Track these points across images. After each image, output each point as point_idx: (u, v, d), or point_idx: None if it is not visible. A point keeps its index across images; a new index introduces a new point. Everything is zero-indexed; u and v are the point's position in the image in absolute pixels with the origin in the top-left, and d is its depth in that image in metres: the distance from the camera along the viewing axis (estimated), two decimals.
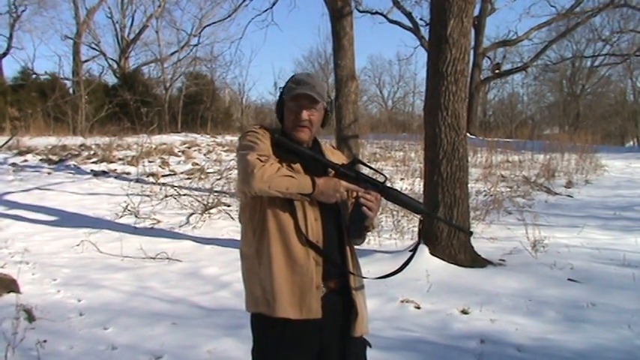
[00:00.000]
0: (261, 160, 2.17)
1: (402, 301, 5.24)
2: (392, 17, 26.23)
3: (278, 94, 2.46)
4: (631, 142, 38.21)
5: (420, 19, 25.66)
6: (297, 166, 2.31)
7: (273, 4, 12.61)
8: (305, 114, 2.35)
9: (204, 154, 15.91)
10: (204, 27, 15.53)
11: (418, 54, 60.24)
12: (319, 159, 2.34)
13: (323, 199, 2.24)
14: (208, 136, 20.62)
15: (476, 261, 6.48)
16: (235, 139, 19.99)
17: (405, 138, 19.02)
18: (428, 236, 6.45)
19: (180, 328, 4.75)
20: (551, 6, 40.92)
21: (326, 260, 2.30)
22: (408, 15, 25.87)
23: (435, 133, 6.38)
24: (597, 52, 34.07)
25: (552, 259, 6.61)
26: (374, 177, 2.40)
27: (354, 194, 2.34)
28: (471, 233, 2.40)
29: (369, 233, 2.52)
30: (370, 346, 2.47)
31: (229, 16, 13.71)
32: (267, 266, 2.26)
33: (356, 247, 2.45)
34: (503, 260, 6.67)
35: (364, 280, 2.46)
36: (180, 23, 40.72)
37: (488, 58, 29.32)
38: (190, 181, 12.03)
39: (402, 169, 14.22)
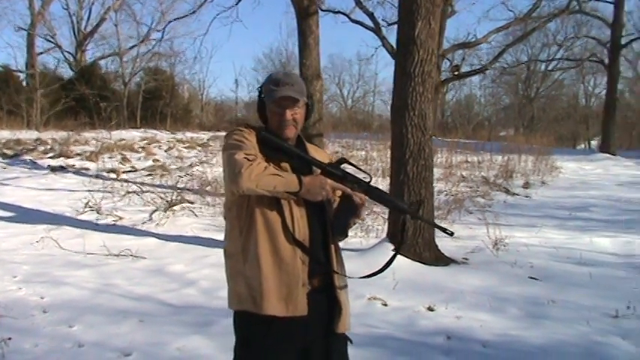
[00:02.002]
0: (248, 159, 2.18)
1: (370, 299, 5.32)
2: (354, 17, 26.35)
3: (257, 93, 2.45)
4: (582, 145, 39.25)
5: (383, 20, 25.82)
6: (285, 164, 2.33)
7: (239, 1, 12.52)
8: (289, 114, 2.37)
9: (165, 151, 15.74)
10: (169, 22, 15.36)
11: (379, 54, 60.65)
12: (306, 157, 2.36)
13: (309, 198, 2.27)
14: (168, 132, 20.38)
15: (440, 259, 6.60)
16: (196, 135, 19.85)
17: (366, 137, 19.16)
18: (393, 235, 6.55)
19: (147, 326, 4.70)
20: (509, 10, 41.79)
21: (311, 258, 2.33)
22: (370, 15, 26.02)
23: (402, 133, 6.47)
24: (551, 56, 34.98)
25: (513, 257, 6.79)
26: (359, 176, 2.44)
27: (340, 193, 2.37)
28: (452, 234, 2.44)
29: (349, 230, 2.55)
30: (352, 342, 2.52)
31: (194, 12, 13.56)
32: (255, 264, 2.27)
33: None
34: (466, 259, 6.83)
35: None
36: (141, 17, 39.97)
37: (448, 59, 29.71)
38: (152, 177, 11.89)
39: (365, 168, 14.32)
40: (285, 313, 2.27)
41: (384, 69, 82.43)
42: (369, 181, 2.39)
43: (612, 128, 22.34)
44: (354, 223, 2.48)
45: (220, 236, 7.84)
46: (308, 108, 2.46)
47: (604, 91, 39.21)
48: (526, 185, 12.98)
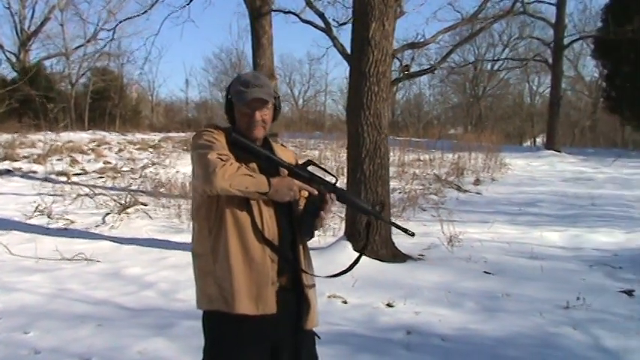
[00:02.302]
0: (222, 159, 2.19)
1: (330, 297, 5.36)
2: (305, 17, 26.40)
3: (225, 94, 2.47)
4: (528, 142, 40.24)
5: (333, 20, 25.84)
6: (253, 164, 2.34)
7: (190, 1, 12.39)
8: (258, 115, 2.38)
9: (116, 153, 15.46)
10: (119, 22, 15.06)
11: (330, 54, 60.86)
12: (274, 158, 2.38)
13: (277, 198, 2.28)
14: (118, 133, 20.03)
15: (397, 256, 6.71)
16: (146, 137, 19.56)
17: (319, 137, 19.26)
18: (351, 233, 6.62)
19: (106, 330, 4.63)
20: (456, 11, 42.43)
21: (280, 257, 2.36)
22: (321, 15, 26.10)
23: (358, 132, 6.55)
24: (497, 56, 35.81)
25: (467, 253, 6.95)
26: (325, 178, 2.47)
27: (306, 194, 2.40)
28: (413, 234, 2.50)
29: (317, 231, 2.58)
30: (319, 338, 2.55)
31: (145, 11, 13.33)
32: (225, 264, 2.27)
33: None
34: (422, 255, 6.96)
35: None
36: (87, 16, 38.97)
37: (398, 59, 30.01)
38: (103, 180, 11.67)
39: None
40: (255, 311, 2.28)
41: (335, 68, 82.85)
42: (335, 183, 2.43)
43: (557, 126, 23.03)
44: (321, 225, 2.51)
45: (177, 238, 7.84)
46: (275, 109, 2.48)
47: (548, 90, 40.41)
48: (477, 182, 13.28)
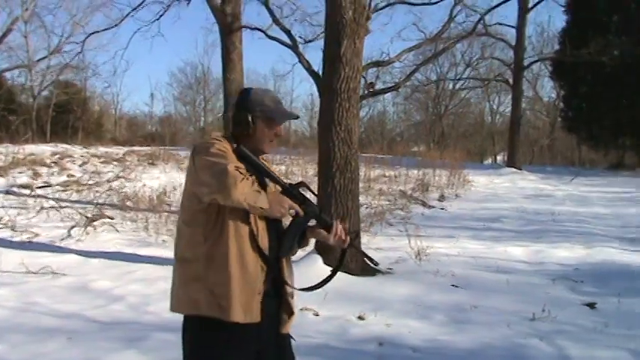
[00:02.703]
0: (241, 173, 2.26)
1: (302, 309, 5.40)
2: (271, 33, 26.53)
3: (241, 104, 2.52)
4: (489, 160, 41.02)
5: (300, 37, 26.01)
6: (252, 178, 2.40)
7: (160, 15, 12.39)
8: (281, 131, 2.55)
9: (80, 166, 15.23)
10: (89, 35, 14.91)
11: (295, 70, 61.04)
12: (273, 175, 2.47)
13: (268, 213, 2.35)
14: (81, 146, 19.71)
15: (366, 270, 6.79)
16: (110, 150, 19.29)
17: (285, 152, 19.30)
18: (322, 247, 6.68)
19: (76, 344, 4.58)
20: (420, 31, 43.17)
21: (270, 268, 2.44)
22: (288, 32, 26.30)
23: (329, 148, 6.64)
24: (459, 75, 36.53)
25: (435, 267, 7.08)
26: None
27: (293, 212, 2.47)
28: (377, 264, 2.68)
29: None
30: (295, 340, 2.63)
31: (116, 25, 13.27)
32: (222, 271, 2.33)
33: None
34: (391, 269, 7.06)
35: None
36: (52, 28, 38.31)
37: (363, 77, 30.36)
38: (68, 192, 11.50)
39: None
40: (243, 319, 2.34)
41: (300, 84, 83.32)
42: (320, 209, 2.54)
43: (517, 144, 23.57)
44: (305, 244, 2.63)
45: (145, 251, 7.79)
46: None
47: (508, 109, 41.39)
48: (441, 198, 13.51)
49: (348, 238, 2.57)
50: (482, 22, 22.64)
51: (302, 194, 2.47)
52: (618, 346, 4.71)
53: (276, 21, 27.41)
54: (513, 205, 13.19)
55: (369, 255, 2.87)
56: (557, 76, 27.37)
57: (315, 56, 37.62)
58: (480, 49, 33.71)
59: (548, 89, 40.86)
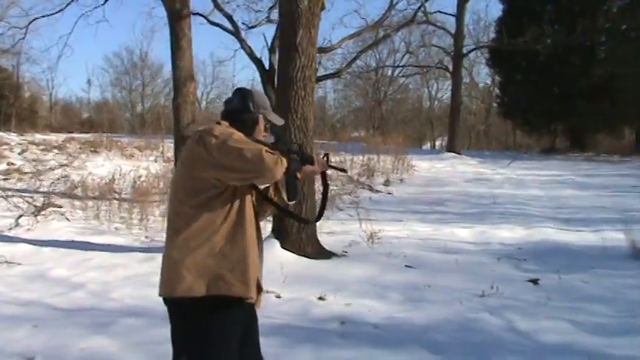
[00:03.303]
0: (273, 153, 2.46)
1: (264, 292, 5.58)
2: (212, 19, 26.22)
3: (247, 105, 2.79)
4: (428, 145, 41.93)
5: (243, 23, 25.85)
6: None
7: (105, 1, 12.17)
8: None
9: (19, 154, 14.84)
10: (33, 19, 14.47)
11: (237, 56, 60.36)
12: (268, 144, 2.70)
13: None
14: (16, 133, 19.12)
15: (322, 253, 7.02)
16: (47, 137, 18.78)
17: None
18: (279, 230, 6.87)
19: (43, 330, 4.64)
20: (362, 18, 43.55)
21: (261, 247, 2.72)
22: (229, 18, 26.05)
23: (285, 135, 6.79)
24: (398, 62, 37.14)
25: (387, 249, 7.38)
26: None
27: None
28: (346, 170, 3.03)
29: None
30: None
31: (61, 10, 12.94)
32: (243, 250, 2.55)
33: None
34: (346, 252, 7.31)
35: None
36: None
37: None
38: (10, 181, 11.24)
39: None
40: (254, 295, 2.63)
41: (242, 70, 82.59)
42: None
43: (457, 130, 24.26)
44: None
45: (99, 239, 7.80)
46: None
47: (445, 95, 42.48)
48: (387, 183, 13.85)
49: (326, 160, 2.91)
50: (422, 9, 23.12)
51: (285, 147, 2.73)
52: (561, 317, 5.09)
53: (217, 6, 27.16)
54: (456, 188, 13.65)
55: (342, 168, 3.35)
56: (494, 63, 28.26)
57: (257, 42, 37.38)
58: (419, 36, 34.35)
59: (483, 76, 42.07)
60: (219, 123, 2.72)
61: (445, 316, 5.11)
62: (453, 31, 24.56)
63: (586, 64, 23.46)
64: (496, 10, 59.95)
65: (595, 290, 5.97)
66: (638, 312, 5.23)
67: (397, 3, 24.09)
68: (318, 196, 6.25)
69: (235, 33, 26.79)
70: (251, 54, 24.08)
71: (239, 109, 2.75)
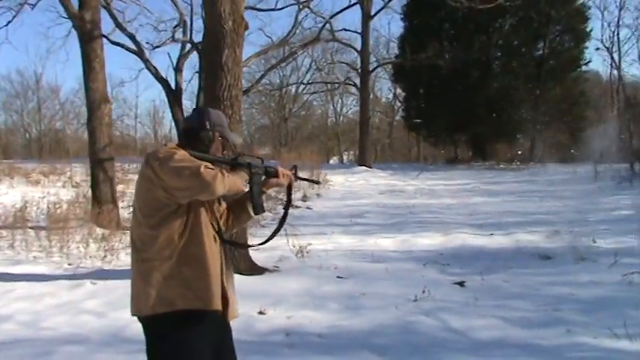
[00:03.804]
0: (212, 169, 2.50)
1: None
2: (114, 38, 25.63)
3: (204, 123, 2.79)
4: (336, 159, 42.63)
5: (147, 43, 25.50)
6: (219, 168, 2.69)
7: (9, 22, 11.72)
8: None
9: None
10: None
11: (141, 76, 58.96)
12: (220, 160, 2.78)
13: (240, 190, 2.76)
14: None
15: (255, 269, 7.09)
16: None
17: (138, 161, 18.89)
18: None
19: None
20: (267, 36, 44.01)
21: (224, 260, 2.77)
22: (132, 37, 25.57)
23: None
24: (301, 79, 37.77)
25: (317, 262, 7.56)
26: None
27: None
28: (319, 182, 3.15)
29: None
30: None
31: None
32: (199, 266, 2.58)
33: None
34: (277, 267, 7.43)
35: None
36: None
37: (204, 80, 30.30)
38: None
39: None
40: (219, 307, 2.64)
41: (145, 91, 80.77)
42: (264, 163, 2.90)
43: (367, 144, 24.92)
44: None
45: (17, 269, 7.48)
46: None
47: (350, 111, 43.54)
48: (305, 198, 14.06)
49: (293, 172, 2.98)
50: (329, 27, 23.66)
51: (245, 161, 2.80)
52: (489, 315, 5.46)
53: (119, 26, 26.50)
54: (372, 200, 14.07)
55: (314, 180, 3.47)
56: (398, 79, 29.29)
57: (162, 62, 36.88)
58: (321, 52, 35.06)
59: (385, 91, 43.46)
60: (165, 144, 2.80)
61: (384, 321, 5.33)
62: (358, 47, 25.28)
63: (483, 78, 24.80)
64: (397, 28, 62.35)
65: (515, 288, 6.41)
66: (556, 305, 5.67)
67: (302, 21, 24.60)
68: None
69: (139, 53, 26.37)
70: (156, 74, 23.78)
71: (196, 126, 2.82)
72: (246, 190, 2.81)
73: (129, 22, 24.75)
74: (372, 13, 24.56)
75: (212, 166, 2.55)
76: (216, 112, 2.93)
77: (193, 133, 2.80)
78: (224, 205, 2.90)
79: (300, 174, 3.11)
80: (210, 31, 6.91)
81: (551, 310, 5.56)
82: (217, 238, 2.72)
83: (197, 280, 2.57)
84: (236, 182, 2.65)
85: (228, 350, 2.83)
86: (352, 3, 25.08)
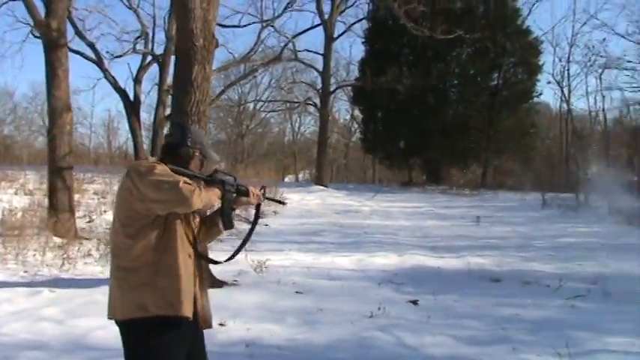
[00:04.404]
0: (190, 184, 2.66)
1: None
2: (72, 46, 25.33)
3: (184, 140, 2.96)
4: (292, 177, 42.84)
5: (107, 52, 25.28)
6: (197, 184, 2.84)
7: None
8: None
9: None
10: None
11: (98, 85, 57.77)
12: (197, 176, 2.92)
13: (211, 205, 2.91)
14: None
15: (214, 282, 7.18)
16: None
17: (95, 171, 18.70)
18: None
19: None
20: (229, 52, 44.18)
21: (200, 268, 2.93)
22: (92, 46, 25.33)
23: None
24: (259, 96, 38.00)
25: (275, 277, 7.71)
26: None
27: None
28: (285, 203, 3.37)
29: None
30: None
31: None
32: (172, 275, 2.72)
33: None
34: (236, 280, 7.55)
35: None
36: None
37: (172, 94, 30.19)
38: None
39: (104, 200, 14.16)
40: (190, 314, 2.78)
41: (102, 101, 79.55)
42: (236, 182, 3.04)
43: (324, 163, 25.24)
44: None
45: None
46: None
47: (308, 130, 43.93)
48: (262, 215, 14.13)
49: (262, 193, 3.13)
50: (291, 47, 23.97)
51: (219, 179, 2.95)
52: (441, 332, 5.69)
53: (79, 34, 26.17)
54: (328, 219, 14.29)
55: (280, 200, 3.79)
56: (357, 101, 29.77)
57: (122, 72, 36.42)
58: (282, 71, 35.35)
59: (343, 112, 44.04)
60: (146, 158, 2.97)
61: (341, 336, 5.51)
62: (320, 68, 25.64)
63: (439, 104, 25.49)
64: (358, 51, 63.27)
65: (466, 308, 6.68)
66: (503, 325, 5.96)
67: (264, 39, 24.87)
68: None
69: (98, 62, 26.15)
70: (115, 84, 23.62)
71: (177, 142, 2.98)
72: (218, 206, 2.98)
73: (89, 30, 24.58)
74: (335, 36, 25.02)
75: (190, 182, 2.73)
76: (197, 130, 3.12)
77: (174, 148, 2.96)
78: (198, 218, 3.04)
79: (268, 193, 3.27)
80: (182, 47, 7.07)
81: (498, 329, 5.84)
82: (192, 249, 2.87)
83: (169, 289, 2.72)
84: (211, 198, 2.82)
85: (200, 354, 2.97)
86: (315, 24, 25.58)
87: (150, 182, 2.69)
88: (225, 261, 3.13)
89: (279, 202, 3.66)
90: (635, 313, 6.42)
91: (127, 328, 2.77)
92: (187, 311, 2.75)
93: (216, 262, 3.15)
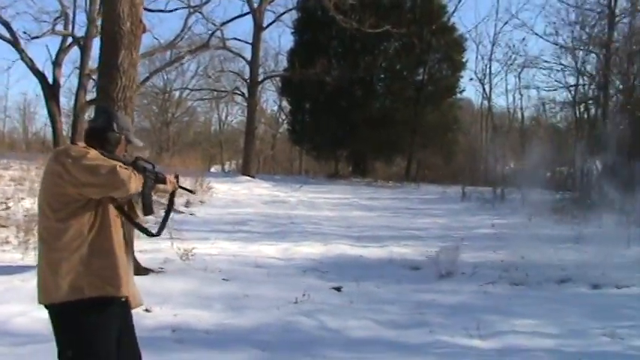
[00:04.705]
0: (126, 169, 2.70)
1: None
2: None
3: (111, 125, 2.99)
4: (217, 167, 42.46)
5: (24, 33, 24.14)
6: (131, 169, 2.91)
7: None
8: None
9: None
10: None
11: (13, 67, 55.11)
12: (124, 161, 2.97)
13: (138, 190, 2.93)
14: None
15: (139, 270, 7.13)
16: None
17: (14, 157, 18.01)
18: None
19: None
20: (155, 38, 43.20)
21: (131, 248, 3.00)
22: (6, 25, 24.18)
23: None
24: (186, 84, 37.41)
25: (202, 265, 7.75)
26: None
27: None
28: (195, 192, 3.57)
29: None
30: None
31: None
32: (108, 256, 2.78)
33: None
34: (162, 268, 7.55)
35: None
36: None
37: (94, 79, 29.32)
38: None
39: (21, 187, 13.67)
40: (128, 293, 2.85)
41: (17, 83, 76.03)
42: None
43: (251, 154, 25.22)
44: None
45: None
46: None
47: (235, 120, 43.68)
48: (187, 204, 14.05)
49: (176, 181, 3.24)
50: (219, 35, 23.75)
51: (142, 165, 3.02)
52: (363, 317, 5.96)
53: None
54: (255, 210, 14.36)
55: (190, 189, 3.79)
56: (285, 92, 29.84)
57: (41, 53, 35.00)
58: (209, 59, 34.91)
59: (270, 103, 43.98)
60: (75, 143, 3.00)
61: (267, 320, 5.68)
62: (248, 58, 25.53)
63: (366, 97, 25.98)
64: (287, 42, 63.21)
65: (387, 294, 6.98)
66: (421, 310, 6.29)
67: (191, 26, 24.51)
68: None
69: (14, 42, 24.95)
70: (32, 66, 22.64)
71: (104, 127, 3.00)
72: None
73: (3, 8, 23.36)
74: (264, 25, 24.96)
75: (126, 167, 2.79)
76: (123, 116, 3.18)
77: (100, 133, 2.98)
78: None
79: (182, 182, 3.38)
80: (108, 31, 6.97)
81: (417, 313, 6.16)
82: (122, 230, 2.94)
83: (106, 269, 2.79)
84: (141, 184, 2.88)
85: (130, 332, 3.04)
86: (244, 13, 25.38)
87: (84, 167, 2.72)
88: (158, 233, 3.21)
89: (189, 190, 3.73)
90: (541, 297, 6.90)
91: (59, 311, 2.80)
92: (125, 290, 2.84)
93: (152, 234, 3.18)
